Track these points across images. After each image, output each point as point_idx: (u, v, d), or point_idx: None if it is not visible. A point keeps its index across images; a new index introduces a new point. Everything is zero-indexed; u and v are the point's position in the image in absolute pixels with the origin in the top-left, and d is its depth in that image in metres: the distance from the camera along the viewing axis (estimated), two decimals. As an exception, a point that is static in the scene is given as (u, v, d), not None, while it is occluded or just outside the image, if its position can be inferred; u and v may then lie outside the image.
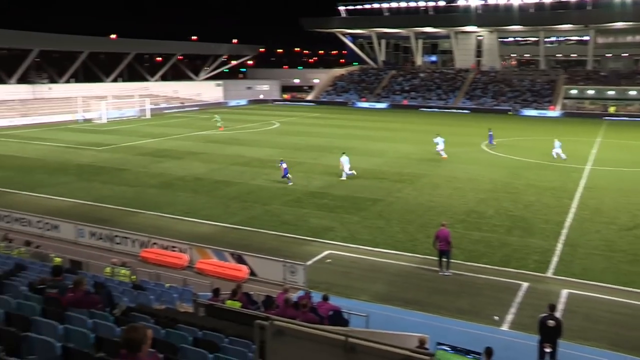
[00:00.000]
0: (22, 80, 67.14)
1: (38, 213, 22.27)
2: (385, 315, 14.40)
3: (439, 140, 38.79)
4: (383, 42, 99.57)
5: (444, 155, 38.05)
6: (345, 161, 31.34)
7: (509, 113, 74.49)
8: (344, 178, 30.99)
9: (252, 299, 13.52)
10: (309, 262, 17.80)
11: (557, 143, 38.17)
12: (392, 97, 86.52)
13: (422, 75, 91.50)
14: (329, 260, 18.82)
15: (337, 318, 12.57)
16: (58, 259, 16.86)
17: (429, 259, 18.45)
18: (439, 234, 17.68)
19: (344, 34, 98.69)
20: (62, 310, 8.64)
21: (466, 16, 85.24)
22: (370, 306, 14.70)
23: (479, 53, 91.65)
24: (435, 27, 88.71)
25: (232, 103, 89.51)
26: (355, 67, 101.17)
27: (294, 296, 13.40)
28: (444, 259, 17.59)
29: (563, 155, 37.25)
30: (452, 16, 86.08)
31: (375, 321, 13.20)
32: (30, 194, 27.50)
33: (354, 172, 31.45)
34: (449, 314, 14.80)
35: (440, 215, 23.49)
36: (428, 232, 20.68)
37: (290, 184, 29.54)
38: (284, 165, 29.94)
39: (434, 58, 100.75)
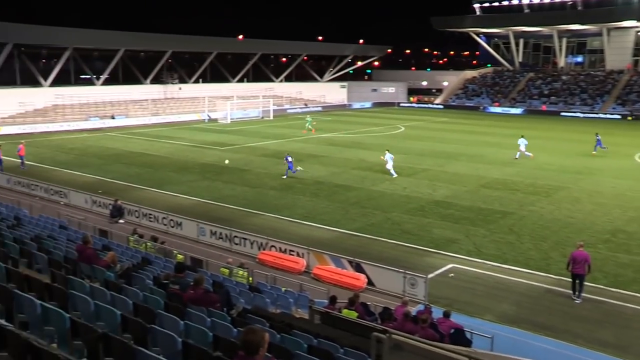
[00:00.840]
0: (155, 80, 72.82)
1: (163, 210, 23.99)
2: (512, 338, 13.74)
3: (522, 141, 39.76)
4: (521, 41, 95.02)
5: (517, 156, 39.29)
6: (389, 158, 33.84)
7: (629, 119, 68.57)
8: (391, 172, 33.55)
9: (369, 310, 13.54)
10: (431, 275, 17.47)
11: None
12: (529, 101, 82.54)
13: (564, 77, 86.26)
14: (451, 275, 18.38)
15: (459, 337, 12.21)
16: (180, 256, 18.06)
17: (564, 280, 17.30)
18: (575, 256, 16.49)
19: (478, 34, 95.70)
20: (183, 306, 9.23)
21: (625, 9, 77.59)
22: (495, 327, 14.12)
23: (637, 51, 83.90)
24: (584, 23, 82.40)
25: (356, 105, 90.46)
26: (488, 69, 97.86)
27: (413, 310, 13.23)
28: (577, 282, 16.43)
29: None
30: (606, 10, 78.86)
31: (501, 344, 12.65)
32: (157, 190, 29.71)
33: (394, 174, 33.20)
34: (587, 344, 13.78)
35: (580, 233, 22.03)
36: (564, 251, 19.47)
37: (300, 169, 33.23)
38: (290, 159, 32.94)
39: (579, 58, 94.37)
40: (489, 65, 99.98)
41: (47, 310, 7.00)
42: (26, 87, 61.59)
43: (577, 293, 16.38)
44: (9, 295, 7.42)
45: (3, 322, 6.27)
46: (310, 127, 54.62)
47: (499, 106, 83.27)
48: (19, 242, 13.52)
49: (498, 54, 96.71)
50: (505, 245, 21.20)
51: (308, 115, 62.29)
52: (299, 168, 33.33)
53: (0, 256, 11.50)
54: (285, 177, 32.64)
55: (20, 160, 35.38)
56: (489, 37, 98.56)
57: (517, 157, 39.26)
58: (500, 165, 36.99)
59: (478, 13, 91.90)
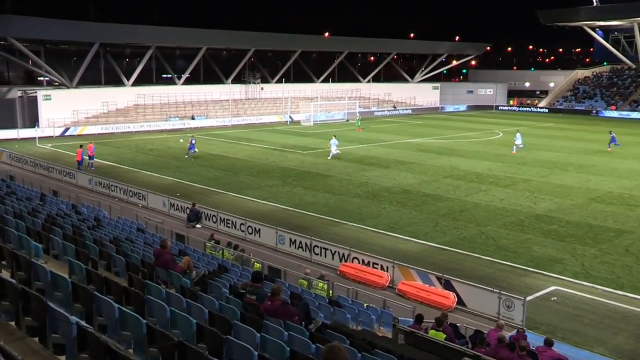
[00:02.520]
0: (237, 80, 74.94)
1: (241, 215, 24.62)
2: (626, 375, 13.06)
3: (518, 136, 45.99)
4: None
5: (514, 151, 44.55)
6: (333, 143, 41.23)
7: None
8: (329, 158, 40.66)
9: (459, 332, 13.31)
10: (530, 297, 16.91)
11: None
12: (655, 104, 77.94)
13: None
14: (554, 298, 17.71)
15: (562, 369, 11.75)
16: (258, 265, 18.48)
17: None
18: None
19: (594, 27, 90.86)
20: (259, 318, 9.46)
21: None
22: (606, 362, 13.48)
23: None
24: None
25: (449, 108, 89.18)
26: (604, 68, 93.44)
27: (508, 335, 12.87)
28: None
29: None
30: None
31: (612, 381, 12.06)
32: (236, 195, 30.54)
33: (338, 151, 41.03)
34: None
35: None
36: (691, 278, 18.26)
37: (190, 154, 41.01)
38: (194, 142, 41.59)
39: None
40: (605, 63, 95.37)
41: (124, 314, 7.40)
42: (110, 87, 65.28)
43: None
44: (89, 297, 7.90)
45: (83, 323, 6.69)
46: (358, 124, 60.70)
47: (615, 110, 79.39)
48: (99, 243, 14.36)
49: (618, 49, 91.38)
50: (621, 268, 20.16)
51: (358, 114, 67.30)
52: (195, 150, 41.40)
53: (82, 257, 12.27)
54: (187, 156, 41.01)
55: (89, 160, 37.23)
56: (606, 31, 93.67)
57: (514, 151, 44.76)
58: (615, 177, 35.24)
59: (595, 4, 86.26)
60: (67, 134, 54.27)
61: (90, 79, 64.65)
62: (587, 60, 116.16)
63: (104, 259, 13.11)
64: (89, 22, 62.54)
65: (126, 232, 18.90)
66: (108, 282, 9.60)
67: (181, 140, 48.46)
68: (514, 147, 45.04)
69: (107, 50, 67.66)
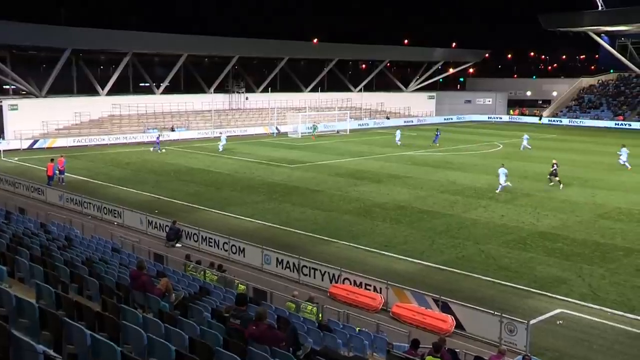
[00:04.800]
0: (220, 89, 74.92)
1: (225, 233, 24.54)
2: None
3: (398, 132, 58.80)
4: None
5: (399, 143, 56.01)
6: (223, 138, 53.06)
7: None
8: (220, 150, 51.75)
9: (457, 358, 13.30)
10: (533, 321, 16.95)
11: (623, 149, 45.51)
12: (664, 114, 78.75)
13: None
14: (560, 322, 17.75)
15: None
16: (242, 286, 18.41)
17: None
18: None
19: (599, 33, 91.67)
20: (244, 343, 9.41)
21: None
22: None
23: None
24: None
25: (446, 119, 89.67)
26: (610, 76, 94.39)
27: (511, 362, 12.88)
28: None
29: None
30: None
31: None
32: (219, 212, 30.45)
33: (222, 148, 52.01)
34: None
35: None
36: None
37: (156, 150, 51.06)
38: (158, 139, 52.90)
39: None
40: (611, 70, 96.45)
41: (97, 342, 7.32)
42: (83, 96, 65.06)
43: None
44: (58, 323, 7.82)
45: (51, 352, 6.61)
46: (314, 132, 65.98)
47: (622, 120, 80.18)
48: (70, 265, 14.24)
49: (625, 56, 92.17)
50: (631, 289, 20.23)
51: (316, 124, 70.18)
52: (163, 150, 50.95)
53: (51, 280, 12.15)
54: (152, 149, 51.20)
55: (59, 175, 36.93)
56: (612, 37, 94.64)
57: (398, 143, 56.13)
58: (623, 192, 35.49)
59: (601, 7, 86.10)
60: (35, 146, 53.98)
61: (61, 88, 64.42)
62: (593, 67, 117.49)
63: (75, 281, 12.99)
64: (60, 26, 62.48)
65: (100, 252, 18.76)
66: (79, 307, 9.52)
67: (163, 150, 51.27)
68: (397, 140, 56.95)
69: (79, 56, 67.49)
